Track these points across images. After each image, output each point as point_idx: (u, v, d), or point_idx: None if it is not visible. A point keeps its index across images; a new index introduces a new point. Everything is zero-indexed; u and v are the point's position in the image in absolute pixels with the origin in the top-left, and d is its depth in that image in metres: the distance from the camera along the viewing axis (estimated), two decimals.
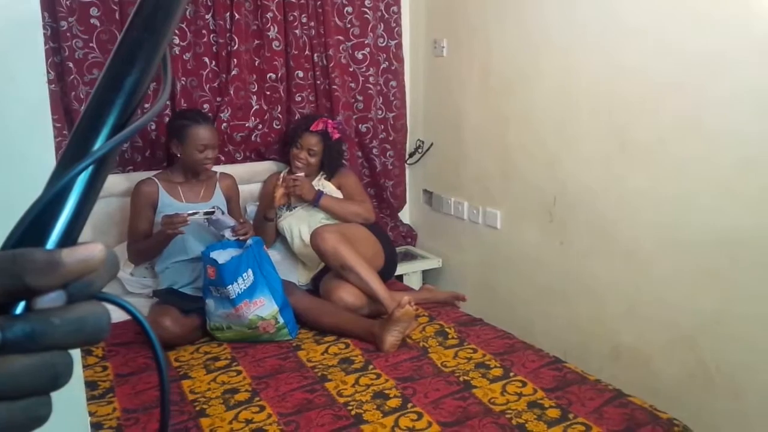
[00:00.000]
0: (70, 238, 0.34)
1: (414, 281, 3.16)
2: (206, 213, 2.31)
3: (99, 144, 0.36)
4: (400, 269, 3.01)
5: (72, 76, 2.51)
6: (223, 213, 2.36)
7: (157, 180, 2.46)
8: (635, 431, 1.65)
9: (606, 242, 2.35)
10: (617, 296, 2.33)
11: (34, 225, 0.33)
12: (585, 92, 2.37)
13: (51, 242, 0.34)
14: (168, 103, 2.72)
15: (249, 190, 2.91)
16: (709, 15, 1.94)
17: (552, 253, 2.59)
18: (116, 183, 2.61)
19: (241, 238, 2.34)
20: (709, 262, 2.01)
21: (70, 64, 2.50)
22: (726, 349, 1.99)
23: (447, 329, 2.31)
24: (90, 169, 0.35)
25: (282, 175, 2.71)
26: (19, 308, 0.32)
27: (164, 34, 0.39)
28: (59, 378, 0.32)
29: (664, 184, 2.13)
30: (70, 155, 0.36)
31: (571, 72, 2.42)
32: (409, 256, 3.27)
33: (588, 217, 2.42)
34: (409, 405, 1.82)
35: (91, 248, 0.33)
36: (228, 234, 2.35)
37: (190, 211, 2.28)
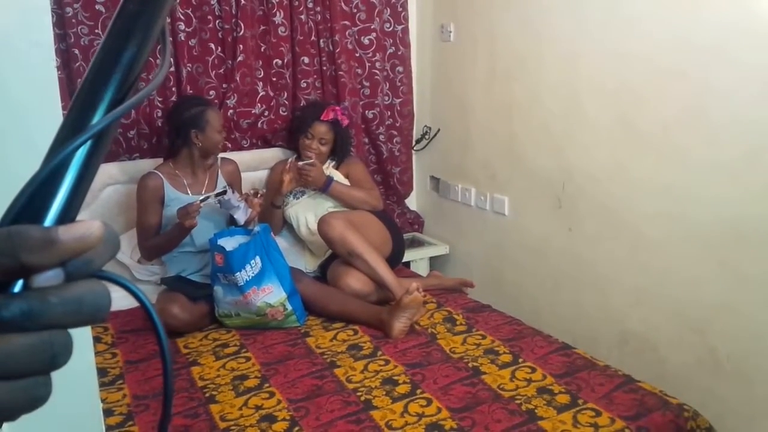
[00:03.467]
0: (68, 215, 0.34)
1: (421, 268, 3.16)
2: (217, 194, 2.30)
3: (97, 119, 0.35)
4: (408, 256, 3.00)
5: (78, 63, 2.50)
6: (233, 192, 2.34)
7: (160, 173, 2.43)
8: (645, 416, 1.65)
9: (614, 229, 2.34)
10: (625, 283, 2.32)
11: (31, 202, 0.33)
12: (590, 79, 2.36)
13: (48, 219, 0.33)
14: (174, 89, 2.71)
15: (256, 177, 2.90)
16: (714, 3, 1.92)
17: (560, 240, 2.58)
18: (123, 170, 2.61)
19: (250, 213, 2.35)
20: (717, 249, 2.00)
21: (76, 51, 2.49)
22: (735, 336, 1.98)
23: (455, 315, 2.31)
24: (88, 144, 0.34)
25: (290, 161, 2.70)
26: (17, 287, 0.31)
27: (161, 6, 0.38)
28: (57, 357, 0.32)
29: (670, 171, 2.11)
30: (67, 131, 0.35)
31: (577, 59, 2.40)
32: (417, 243, 3.26)
33: (596, 203, 2.40)
34: (419, 391, 1.82)
35: (88, 225, 0.32)
36: (240, 215, 2.33)
37: (201, 197, 2.27)
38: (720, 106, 1.94)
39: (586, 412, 1.68)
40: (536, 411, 1.69)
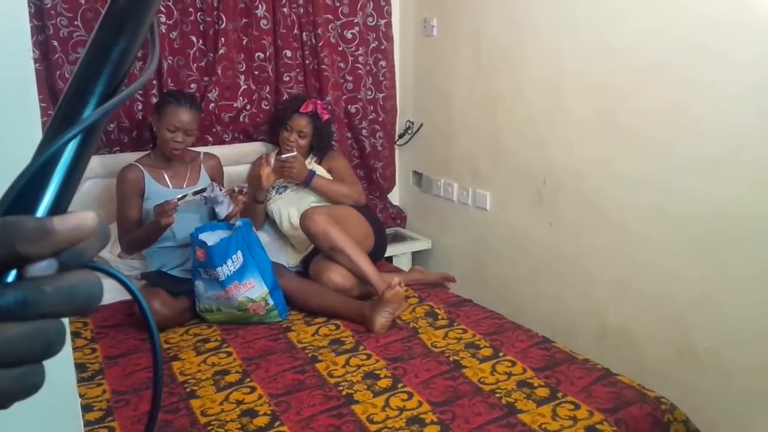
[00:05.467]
0: (60, 207, 0.34)
1: (404, 263, 3.16)
2: (196, 193, 2.29)
3: (87, 113, 0.35)
4: (390, 251, 3.01)
5: (57, 55, 2.47)
6: (218, 187, 2.33)
7: (140, 165, 2.41)
8: (623, 409, 1.67)
9: (595, 223, 2.36)
10: (605, 276, 2.35)
11: (24, 194, 0.33)
12: (573, 73, 2.37)
13: (41, 211, 0.33)
14: (155, 82, 2.68)
15: (237, 171, 2.88)
16: None
17: (541, 234, 2.60)
18: (103, 164, 2.58)
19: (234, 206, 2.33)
20: (696, 243, 2.03)
21: (55, 43, 2.46)
22: (713, 330, 2.01)
23: (437, 310, 2.32)
24: (79, 137, 0.35)
25: (264, 155, 2.68)
26: (10, 277, 0.31)
27: (151, 1, 0.38)
28: (52, 346, 0.32)
29: (652, 165, 2.14)
30: (58, 124, 0.35)
31: (560, 53, 2.41)
32: (399, 238, 3.27)
33: (577, 197, 2.42)
34: (400, 385, 1.83)
35: (82, 216, 0.33)
36: (222, 209, 2.32)
37: (179, 196, 2.25)
38: (703, 101, 1.96)
39: (565, 405, 1.69)
40: (516, 404, 1.71)
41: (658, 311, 2.17)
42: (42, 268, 0.32)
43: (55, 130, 0.35)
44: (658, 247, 2.15)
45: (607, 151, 2.29)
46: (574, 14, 2.33)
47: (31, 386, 0.32)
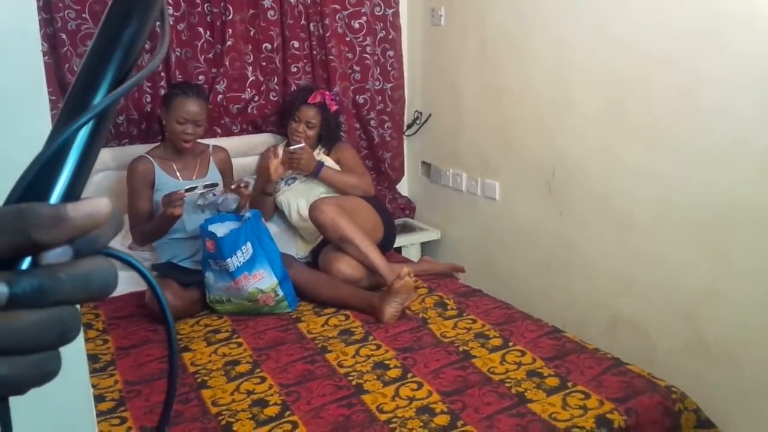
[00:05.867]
0: (73, 193, 0.34)
1: (413, 253, 3.16)
2: (206, 186, 2.30)
3: (99, 98, 0.35)
4: (399, 241, 3.01)
5: (65, 48, 2.47)
6: (218, 191, 2.35)
7: (150, 157, 2.43)
8: (634, 398, 1.67)
9: (604, 214, 2.35)
10: (615, 268, 2.34)
11: (37, 181, 0.33)
12: (580, 65, 2.36)
13: (54, 198, 0.33)
14: (163, 74, 2.69)
15: (246, 163, 2.89)
16: None
17: (550, 225, 2.59)
18: (113, 156, 2.59)
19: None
20: (706, 235, 2.02)
21: (63, 36, 2.46)
22: (723, 322, 2.00)
23: (446, 300, 2.32)
24: (90, 123, 0.35)
25: (277, 147, 2.69)
26: (25, 263, 0.32)
27: None
28: (68, 333, 0.32)
29: (659, 157, 2.13)
30: (69, 110, 0.35)
31: (567, 44, 2.40)
32: (408, 228, 3.27)
33: (586, 188, 2.41)
34: (410, 375, 1.83)
35: (97, 203, 0.33)
36: (229, 204, 2.34)
37: (187, 187, 2.26)
38: (709, 94, 1.95)
39: (576, 395, 1.69)
40: (526, 394, 1.71)
41: (668, 303, 2.17)
42: (57, 254, 0.32)
43: (66, 116, 0.35)
44: (666, 238, 2.14)
45: (614, 142, 2.27)
46: (582, 6, 2.32)
47: (47, 373, 0.32)
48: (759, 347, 1.91)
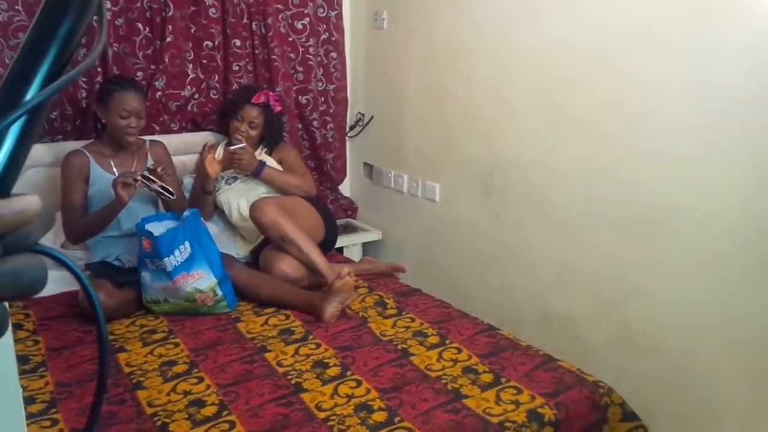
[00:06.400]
0: (3, 190, 0.34)
1: (354, 253, 3.19)
2: (149, 172, 2.26)
3: (32, 94, 0.35)
4: (341, 242, 3.02)
5: None
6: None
7: (86, 151, 2.37)
8: (563, 393, 1.73)
9: (538, 214, 2.43)
10: (548, 265, 2.42)
11: None
12: (520, 66, 2.43)
13: None
14: (99, 69, 2.62)
15: (185, 161, 2.85)
16: None
17: (488, 225, 2.66)
18: (45, 153, 2.52)
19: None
20: (631, 234, 2.11)
21: None
22: (649, 314, 2.10)
23: (386, 299, 2.35)
24: (23, 119, 0.34)
25: (216, 145, 2.66)
26: None
27: None
28: None
29: (592, 157, 2.21)
30: (1, 106, 0.34)
31: (507, 46, 2.46)
32: (350, 229, 3.29)
33: (522, 189, 2.49)
34: (348, 373, 1.85)
35: (26, 200, 0.32)
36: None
37: (140, 172, 2.24)
38: (641, 95, 2.03)
39: (509, 390, 1.75)
40: (461, 390, 1.75)
41: (597, 298, 2.26)
42: None
43: None
44: (596, 236, 2.23)
45: (548, 144, 2.35)
46: (519, 8, 2.39)
47: None
48: (681, 340, 2.02)
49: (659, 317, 2.07)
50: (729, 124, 1.82)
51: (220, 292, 2.22)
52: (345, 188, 3.46)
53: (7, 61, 2.42)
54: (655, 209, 2.04)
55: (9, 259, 0.32)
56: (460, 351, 1.97)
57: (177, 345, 2.03)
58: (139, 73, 2.69)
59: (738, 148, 1.81)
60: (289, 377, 1.83)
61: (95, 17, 0.39)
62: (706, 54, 1.85)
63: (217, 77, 2.90)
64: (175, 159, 2.70)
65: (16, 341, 2.00)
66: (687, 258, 1.98)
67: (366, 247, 3.29)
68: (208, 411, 1.66)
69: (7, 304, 0.33)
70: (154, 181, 2.24)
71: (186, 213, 2.25)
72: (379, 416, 1.64)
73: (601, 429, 1.75)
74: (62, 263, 0.36)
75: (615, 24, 2.08)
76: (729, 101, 1.81)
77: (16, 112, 0.33)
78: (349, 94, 3.31)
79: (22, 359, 1.86)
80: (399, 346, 2.01)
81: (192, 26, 2.80)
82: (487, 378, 1.81)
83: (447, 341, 2.03)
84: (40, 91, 0.35)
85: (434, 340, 2.04)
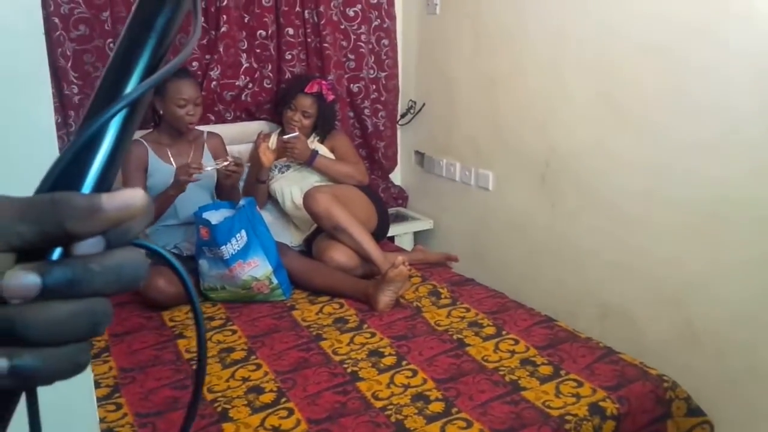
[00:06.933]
0: (104, 183, 0.33)
1: (406, 243, 3.17)
2: (223, 167, 2.34)
3: (132, 86, 0.35)
4: (392, 231, 3.01)
5: (58, 32, 2.44)
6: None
7: (145, 142, 2.43)
8: (626, 387, 1.69)
9: (595, 204, 2.37)
10: (605, 258, 2.36)
11: (68, 170, 0.32)
12: (574, 54, 2.36)
13: (86, 187, 0.33)
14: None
15: (239, 150, 2.88)
16: None
17: (543, 215, 2.60)
18: None
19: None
20: (692, 226, 2.04)
21: (56, 20, 2.43)
22: (711, 309, 2.02)
23: (440, 289, 2.34)
24: (123, 112, 0.34)
25: (270, 134, 2.68)
26: (56, 254, 0.31)
27: None
28: (99, 325, 0.32)
29: (650, 148, 2.14)
30: (102, 98, 0.34)
31: (560, 34, 2.40)
32: (401, 218, 3.27)
33: (578, 179, 2.43)
34: (404, 362, 1.85)
35: (131, 194, 0.32)
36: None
37: (208, 167, 2.31)
38: (700, 85, 1.96)
39: (569, 383, 1.71)
40: (519, 382, 1.73)
41: (657, 292, 2.19)
42: (90, 245, 0.31)
43: (99, 104, 0.34)
44: (655, 229, 2.16)
45: (606, 133, 2.28)
46: None
47: (77, 365, 0.32)
48: (745, 336, 1.94)
49: (722, 313, 2.00)
50: None
51: (275, 280, 2.24)
52: (396, 177, 3.45)
53: (69, 53, 2.48)
54: (717, 200, 1.96)
55: (112, 253, 0.32)
56: (517, 342, 1.94)
57: (234, 332, 2.06)
58: (195, 63, 2.72)
59: None
60: (345, 366, 1.84)
61: (191, 7, 0.38)
62: (764, 40, 1.77)
63: (270, 66, 2.91)
64: (230, 148, 2.73)
65: None
66: (750, 250, 1.89)
67: (417, 236, 3.27)
68: (267, 398, 1.68)
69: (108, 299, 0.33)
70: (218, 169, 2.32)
71: (242, 202, 2.28)
72: (437, 407, 1.63)
73: (665, 424, 1.70)
74: (162, 257, 0.36)
75: (673, 12, 2.00)
76: None
77: (117, 104, 0.33)
78: (400, 82, 3.28)
79: None
80: (454, 336, 1.99)
81: (246, 16, 2.82)
82: (546, 370, 1.78)
83: (503, 332, 2.01)
84: (140, 83, 0.35)
85: (490, 330, 2.02)
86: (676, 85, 2.03)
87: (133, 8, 0.36)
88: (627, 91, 2.19)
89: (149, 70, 0.35)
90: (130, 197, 0.32)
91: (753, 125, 1.84)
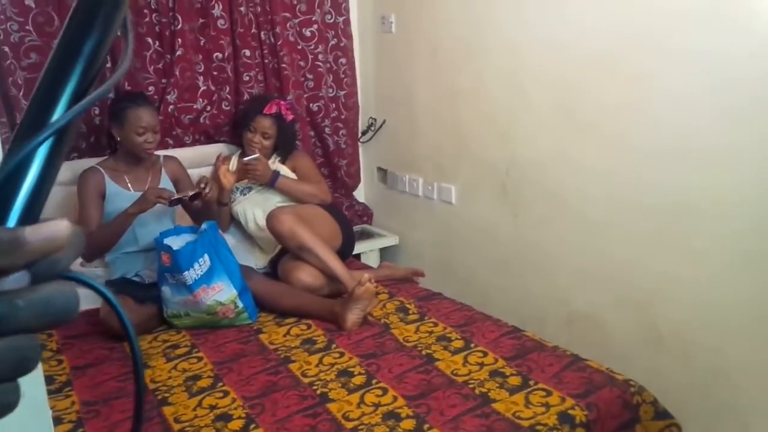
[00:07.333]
0: (31, 215, 0.32)
1: (372, 259, 3.17)
2: (192, 197, 2.32)
3: (58, 114, 0.34)
4: (358, 248, 3.01)
5: (9, 61, 2.40)
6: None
7: (101, 168, 2.38)
8: (594, 393, 1.70)
9: (558, 212, 2.41)
10: (570, 265, 2.39)
11: None
12: (531, 67, 2.41)
13: (11, 220, 0.32)
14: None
15: (199, 174, 2.84)
16: None
17: (506, 225, 2.63)
18: (61, 171, 2.48)
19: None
20: (656, 229, 2.08)
21: (6, 49, 2.39)
22: (676, 313, 2.06)
23: (407, 305, 2.33)
24: (50, 140, 0.33)
25: (230, 156, 2.66)
26: None
27: None
28: (27, 362, 0.31)
29: (608, 156, 2.19)
30: (27, 127, 0.33)
31: (518, 47, 2.44)
32: (366, 235, 3.27)
33: (539, 188, 2.46)
34: (374, 381, 1.83)
35: (56, 225, 0.31)
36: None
37: (177, 196, 2.28)
38: (657, 91, 2.01)
39: (538, 392, 1.72)
40: (489, 394, 1.73)
41: (622, 297, 2.22)
42: (14, 280, 0.30)
43: (24, 133, 0.33)
44: (618, 235, 2.20)
45: (566, 143, 2.33)
46: (529, 8, 2.36)
47: (6, 405, 0.31)
48: (709, 339, 1.98)
49: (686, 316, 2.04)
50: (750, 114, 1.79)
51: (240, 304, 2.21)
52: (360, 194, 3.45)
53: (20, 81, 2.43)
54: (676, 205, 2.01)
55: (39, 287, 0.31)
56: (485, 354, 1.94)
57: (200, 359, 2.02)
58: (151, 88, 2.69)
59: (760, 141, 1.77)
60: (315, 387, 1.82)
61: (120, 32, 0.37)
62: (720, 51, 1.82)
63: (228, 88, 2.90)
64: (190, 172, 2.69)
65: (41, 361, 2.00)
66: (712, 250, 1.94)
67: (384, 252, 3.27)
68: (235, 425, 1.65)
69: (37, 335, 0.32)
70: (182, 199, 2.29)
71: (204, 226, 2.25)
72: (408, 424, 1.62)
73: (634, 428, 1.72)
74: (94, 289, 0.35)
75: (630, 21, 2.05)
76: (750, 95, 1.78)
77: (43, 133, 0.32)
78: (360, 100, 3.30)
79: (47, 379, 1.86)
80: (423, 352, 1.99)
81: (201, 38, 2.80)
82: (514, 381, 1.79)
83: (472, 345, 2.01)
84: (67, 111, 0.34)
85: (458, 344, 2.02)
86: (633, 94, 2.08)
87: (61, 33, 0.35)
88: (583, 101, 2.24)
89: (77, 97, 0.34)
90: (55, 229, 0.31)
91: (710, 132, 1.89)
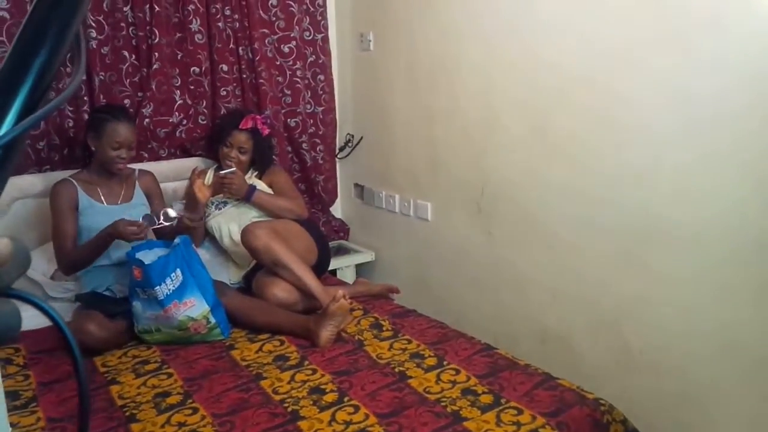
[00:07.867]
0: None
1: (348, 275, 3.16)
2: (170, 219, 2.27)
3: (5, 129, 0.33)
4: (334, 264, 3.00)
5: None
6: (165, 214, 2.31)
7: (74, 181, 2.35)
8: (564, 412, 1.71)
9: (531, 231, 2.43)
10: (542, 283, 2.41)
11: None
12: (506, 86, 2.44)
13: None
14: (86, 98, 2.61)
15: (175, 187, 2.83)
16: (617, 7, 2.01)
17: (480, 243, 2.65)
18: (33, 183, 2.49)
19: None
20: (626, 249, 2.11)
21: None
22: (645, 332, 2.09)
23: (382, 321, 2.33)
24: None
25: (205, 169, 2.65)
26: None
27: (75, 11, 0.36)
28: None
29: (581, 172, 2.21)
30: None
31: (493, 65, 2.47)
32: (342, 251, 3.27)
33: (513, 207, 2.48)
34: (346, 399, 1.82)
35: None
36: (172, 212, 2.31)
37: (158, 223, 2.25)
38: (625, 112, 2.04)
39: (509, 411, 1.72)
40: (461, 412, 1.73)
41: (593, 316, 2.24)
42: None
43: None
44: (590, 255, 2.22)
45: (538, 163, 2.36)
46: (506, 27, 2.40)
47: None
48: (679, 355, 2.00)
49: (656, 333, 2.06)
50: (716, 133, 1.82)
51: (213, 320, 2.19)
52: (336, 210, 3.45)
53: None
54: (645, 224, 2.04)
55: None
56: (458, 372, 1.94)
57: (170, 375, 2.00)
58: (127, 101, 2.68)
59: (726, 157, 1.81)
60: (286, 405, 1.80)
61: (73, 47, 0.37)
62: (688, 67, 1.86)
63: (204, 103, 2.89)
64: (165, 186, 2.68)
65: (6, 376, 1.96)
66: (682, 271, 1.97)
67: (359, 268, 3.27)
68: None
69: None
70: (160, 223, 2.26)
71: (177, 240, 2.23)
72: None
73: None
74: (35, 306, 0.35)
75: (597, 41, 2.09)
76: (714, 112, 1.82)
77: None
78: (337, 116, 3.31)
79: (12, 395, 1.82)
80: (396, 369, 1.98)
81: (178, 52, 2.80)
82: (486, 399, 1.79)
83: (444, 362, 2.01)
84: (15, 125, 0.33)
85: (432, 361, 2.02)
86: (603, 112, 2.11)
87: (11, 47, 0.35)
88: (556, 118, 2.26)
89: (26, 111, 0.34)
90: None
91: (676, 150, 1.92)
